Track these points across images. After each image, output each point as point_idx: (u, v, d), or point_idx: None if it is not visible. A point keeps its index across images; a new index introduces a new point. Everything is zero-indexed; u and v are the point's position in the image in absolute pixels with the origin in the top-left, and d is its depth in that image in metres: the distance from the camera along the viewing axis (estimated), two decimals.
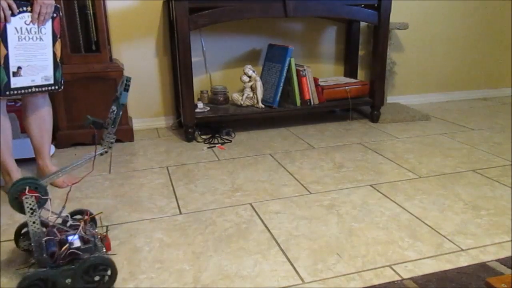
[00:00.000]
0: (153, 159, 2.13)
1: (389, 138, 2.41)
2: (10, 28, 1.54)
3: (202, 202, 1.65)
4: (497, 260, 1.24)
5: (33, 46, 1.63)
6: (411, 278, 1.16)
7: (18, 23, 1.56)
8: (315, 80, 2.61)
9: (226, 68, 2.75)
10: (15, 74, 1.59)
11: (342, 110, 2.95)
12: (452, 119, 2.78)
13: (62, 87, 1.78)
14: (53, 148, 2.22)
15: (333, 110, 2.91)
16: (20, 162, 2.07)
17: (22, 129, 2.13)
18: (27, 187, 1.10)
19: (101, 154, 1.28)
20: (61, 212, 1.25)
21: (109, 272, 1.13)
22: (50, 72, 1.70)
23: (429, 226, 1.44)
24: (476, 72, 3.36)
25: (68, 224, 1.23)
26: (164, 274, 1.21)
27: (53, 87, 1.72)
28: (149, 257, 1.29)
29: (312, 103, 2.59)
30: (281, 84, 2.50)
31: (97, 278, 1.12)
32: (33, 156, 2.06)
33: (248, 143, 2.35)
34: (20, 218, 1.54)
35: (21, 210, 1.10)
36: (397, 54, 3.09)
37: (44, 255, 1.10)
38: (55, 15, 1.65)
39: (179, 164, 2.05)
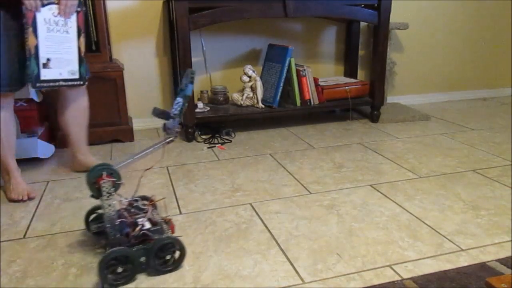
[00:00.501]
0: (153, 159, 2.12)
1: (389, 138, 2.41)
2: (39, 18, 1.55)
3: (202, 202, 1.65)
4: (497, 260, 1.24)
5: (60, 38, 1.63)
6: (411, 278, 1.16)
7: (46, 14, 1.57)
8: (315, 80, 2.61)
9: (226, 68, 2.75)
10: (44, 65, 1.60)
11: (342, 110, 2.95)
12: (452, 119, 2.78)
13: (87, 83, 1.78)
14: (53, 148, 2.22)
15: (333, 110, 2.91)
16: (20, 162, 2.07)
17: (22, 129, 2.13)
18: (104, 173, 1.21)
19: (168, 143, 1.38)
20: (133, 196, 1.36)
21: (178, 251, 1.22)
22: (75, 66, 1.71)
23: (429, 226, 1.44)
24: (476, 72, 3.36)
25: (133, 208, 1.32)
26: (164, 274, 1.21)
27: (78, 82, 1.74)
28: None
29: (312, 103, 2.59)
30: (281, 84, 2.50)
31: (168, 257, 1.21)
32: (33, 156, 2.07)
33: (248, 143, 2.35)
34: (19, 218, 1.54)
35: (98, 194, 1.21)
36: (397, 54, 3.09)
37: (118, 235, 1.20)
38: (79, 9, 1.66)
39: (179, 164, 2.05)
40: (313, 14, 2.41)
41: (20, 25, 1.54)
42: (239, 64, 2.74)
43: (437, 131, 2.51)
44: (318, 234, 1.40)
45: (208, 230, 1.44)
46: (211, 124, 2.57)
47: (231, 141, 2.38)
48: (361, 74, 3.02)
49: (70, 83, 1.70)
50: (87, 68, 1.79)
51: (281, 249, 1.32)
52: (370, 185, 1.78)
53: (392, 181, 1.82)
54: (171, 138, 1.38)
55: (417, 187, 1.76)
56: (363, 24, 2.90)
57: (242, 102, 2.53)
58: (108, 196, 1.20)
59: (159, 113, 1.35)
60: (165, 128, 1.36)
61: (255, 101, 2.53)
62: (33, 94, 2.22)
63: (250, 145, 2.31)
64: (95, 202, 1.29)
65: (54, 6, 1.58)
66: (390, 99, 3.13)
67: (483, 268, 1.20)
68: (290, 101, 2.60)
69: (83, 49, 1.72)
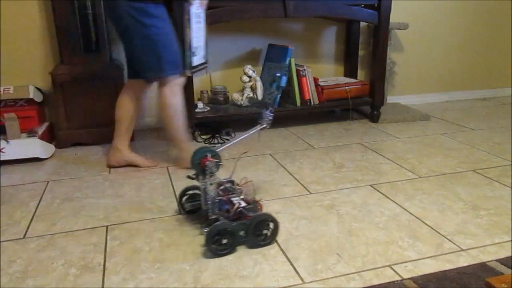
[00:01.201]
0: (153, 159, 2.12)
1: (389, 138, 2.41)
2: (192, 13, 1.85)
3: None
4: (497, 260, 1.24)
5: (200, 29, 1.95)
6: (411, 278, 1.16)
7: (194, 8, 1.87)
8: (315, 80, 2.61)
9: (226, 68, 2.75)
10: (193, 53, 1.89)
11: (342, 110, 2.94)
12: (452, 119, 2.78)
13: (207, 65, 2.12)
14: (53, 148, 2.22)
15: (333, 110, 2.91)
16: (20, 162, 2.08)
17: (22, 129, 2.13)
18: (209, 154, 1.36)
19: (262, 129, 1.54)
20: (230, 177, 1.50)
21: (272, 227, 1.34)
22: (204, 51, 2.04)
23: (429, 226, 1.44)
24: (476, 72, 3.36)
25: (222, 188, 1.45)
26: (164, 274, 1.21)
27: (205, 65, 2.08)
28: (149, 257, 1.29)
29: (312, 103, 2.59)
30: None
31: (265, 231, 1.33)
32: (33, 156, 2.07)
33: (248, 143, 2.35)
34: (19, 218, 1.54)
35: (203, 173, 1.34)
36: (397, 54, 3.09)
37: (217, 211, 1.34)
38: None
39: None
40: (313, 14, 2.41)
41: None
42: (239, 64, 2.74)
43: (437, 131, 2.51)
44: (318, 234, 1.40)
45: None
46: (211, 124, 2.56)
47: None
48: (361, 74, 3.02)
49: (202, 66, 2.03)
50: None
51: (281, 249, 1.32)
52: (370, 185, 1.78)
53: (392, 181, 1.82)
54: (264, 126, 1.53)
55: (417, 187, 1.76)
56: (363, 24, 2.90)
57: (242, 102, 2.53)
58: (211, 176, 1.33)
59: (255, 103, 1.55)
60: (260, 116, 1.52)
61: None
62: (33, 94, 2.23)
63: (250, 145, 2.30)
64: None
65: (197, 1, 1.88)
66: (390, 99, 3.12)
67: (483, 268, 1.20)
68: (290, 101, 2.60)
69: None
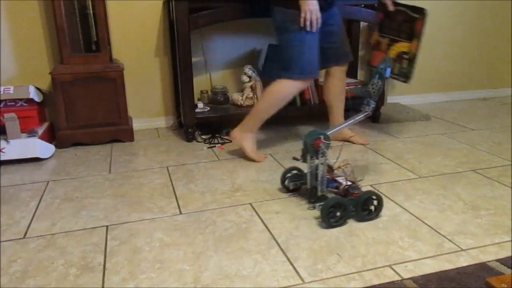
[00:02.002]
0: (153, 159, 2.13)
1: (389, 138, 2.41)
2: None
3: (202, 202, 1.65)
4: (497, 260, 1.24)
5: None
6: (411, 278, 1.16)
7: None
8: (315, 80, 2.61)
9: (226, 68, 2.75)
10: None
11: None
12: (452, 119, 2.78)
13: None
14: (53, 148, 2.22)
15: None
16: (20, 162, 2.08)
17: (22, 129, 2.13)
18: (322, 136, 1.51)
19: (364, 117, 1.70)
20: (337, 158, 1.74)
21: (376, 203, 1.49)
22: None
23: (429, 226, 1.44)
24: (476, 72, 3.36)
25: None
26: (164, 274, 1.21)
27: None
28: (149, 257, 1.30)
29: (312, 103, 2.59)
30: None
31: (371, 207, 1.49)
32: (33, 156, 2.07)
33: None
34: (19, 218, 1.54)
35: (315, 153, 1.51)
36: None
37: (325, 188, 1.52)
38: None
39: (179, 164, 2.05)
40: None
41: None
42: (239, 64, 2.74)
43: (437, 131, 2.51)
44: (318, 234, 1.40)
45: (208, 230, 1.44)
46: (211, 124, 2.56)
47: (231, 141, 2.38)
48: (361, 74, 3.02)
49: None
50: None
51: (281, 249, 1.32)
52: (370, 185, 1.78)
53: (392, 181, 1.82)
54: (367, 113, 1.69)
55: (417, 187, 1.76)
56: (363, 24, 2.90)
57: (242, 102, 2.53)
58: (322, 156, 1.50)
59: (362, 91, 1.73)
60: (365, 104, 1.68)
61: (255, 101, 2.53)
62: (33, 94, 2.23)
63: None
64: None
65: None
66: (390, 99, 3.12)
67: (483, 268, 1.20)
68: (290, 101, 2.59)
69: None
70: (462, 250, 1.30)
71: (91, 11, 2.24)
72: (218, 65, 2.73)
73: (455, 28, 3.20)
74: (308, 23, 1.87)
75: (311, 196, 1.58)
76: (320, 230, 1.43)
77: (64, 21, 2.18)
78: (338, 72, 2.20)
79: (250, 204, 1.63)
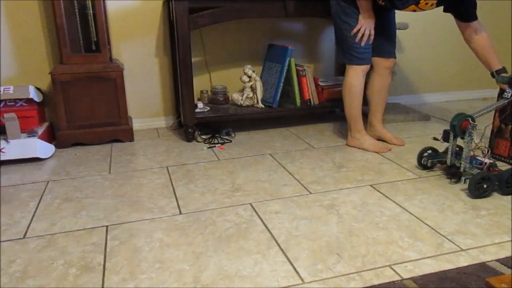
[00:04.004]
0: (153, 159, 2.13)
1: None
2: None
3: (202, 202, 1.65)
4: (497, 260, 1.24)
5: None
6: (411, 278, 1.16)
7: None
8: (315, 80, 2.61)
9: (226, 68, 2.75)
10: None
11: (342, 110, 2.93)
12: None
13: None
14: (53, 148, 2.22)
15: (333, 110, 2.91)
16: (20, 162, 2.08)
17: (22, 129, 2.13)
18: (469, 119, 1.70)
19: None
20: (481, 138, 1.97)
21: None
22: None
23: (429, 226, 1.44)
24: (476, 72, 3.36)
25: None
26: (164, 274, 1.21)
27: None
28: (149, 257, 1.30)
29: (312, 103, 2.59)
30: (281, 84, 2.50)
31: None
32: (33, 156, 2.07)
33: (248, 143, 2.35)
34: (19, 218, 1.54)
35: (461, 134, 1.72)
36: (397, 54, 3.08)
37: (469, 165, 1.72)
38: None
39: (179, 164, 2.05)
40: (313, 14, 2.41)
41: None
42: (239, 64, 2.74)
43: (437, 131, 2.51)
44: (318, 234, 1.40)
45: (208, 230, 1.44)
46: (211, 124, 2.57)
47: (231, 141, 2.38)
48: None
49: None
50: None
51: (281, 249, 1.32)
52: (370, 185, 1.78)
53: (392, 181, 1.82)
54: (509, 99, 1.89)
55: (417, 187, 1.76)
56: None
57: (242, 102, 2.53)
58: (469, 135, 1.68)
59: (505, 81, 1.96)
60: (507, 92, 1.90)
61: (255, 101, 2.53)
62: (33, 94, 2.23)
63: (250, 145, 2.31)
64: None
65: None
66: (390, 99, 3.12)
67: (483, 268, 1.20)
68: (290, 101, 2.60)
69: None
70: (462, 250, 1.30)
71: (91, 11, 2.24)
72: (218, 65, 2.73)
73: (455, 28, 3.19)
74: (360, 35, 2.08)
75: (451, 173, 1.78)
76: (320, 230, 1.43)
77: (64, 21, 2.18)
78: (380, 68, 2.27)
79: (250, 204, 1.63)
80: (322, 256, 1.28)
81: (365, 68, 2.16)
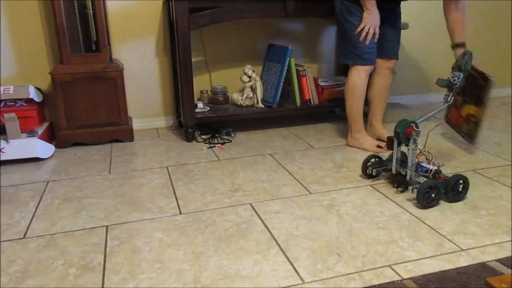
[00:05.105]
0: (153, 159, 2.13)
1: None
2: None
3: (202, 202, 1.65)
4: (497, 260, 1.24)
5: None
6: (411, 278, 1.16)
7: None
8: (315, 80, 2.61)
9: (226, 68, 2.75)
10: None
11: (342, 110, 2.94)
12: None
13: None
14: (53, 148, 2.22)
15: (333, 110, 2.91)
16: (20, 162, 2.08)
17: (22, 129, 2.13)
18: (413, 125, 1.64)
19: (448, 105, 1.85)
20: (425, 145, 1.82)
21: (463, 185, 1.62)
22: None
23: (429, 226, 1.44)
24: None
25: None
26: (164, 274, 1.21)
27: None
28: (149, 257, 1.30)
29: (312, 103, 2.59)
30: (281, 84, 2.50)
31: (459, 188, 1.62)
32: (33, 156, 2.07)
33: (248, 143, 2.35)
34: (19, 218, 1.54)
35: (406, 141, 1.65)
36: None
37: (414, 173, 1.65)
38: None
39: (179, 164, 2.05)
40: (313, 14, 2.41)
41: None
42: (239, 64, 2.74)
43: (437, 131, 2.51)
44: (318, 234, 1.40)
45: (208, 230, 1.44)
46: (211, 124, 2.57)
47: (231, 141, 2.38)
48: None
49: None
50: None
51: (281, 249, 1.32)
52: (370, 185, 1.78)
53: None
54: (449, 103, 1.81)
55: None
56: None
57: (242, 102, 2.53)
58: (414, 142, 1.63)
59: (443, 84, 1.82)
60: (447, 96, 1.81)
61: (255, 101, 2.53)
62: (33, 94, 2.23)
63: (250, 145, 2.31)
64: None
65: None
66: (390, 99, 3.12)
67: (483, 268, 1.20)
68: (290, 101, 2.60)
69: None
70: (462, 250, 1.30)
71: (91, 11, 2.24)
72: (218, 65, 2.73)
73: None
74: (364, 34, 2.06)
75: (397, 181, 1.72)
76: (320, 230, 1.43)
77: (64, 21, 2.18)
78: (382, 69, 2.26)
79: (250, 204, 1.63)
80: (322, 256, 1.28)
81: (368, 69, 2.15)
